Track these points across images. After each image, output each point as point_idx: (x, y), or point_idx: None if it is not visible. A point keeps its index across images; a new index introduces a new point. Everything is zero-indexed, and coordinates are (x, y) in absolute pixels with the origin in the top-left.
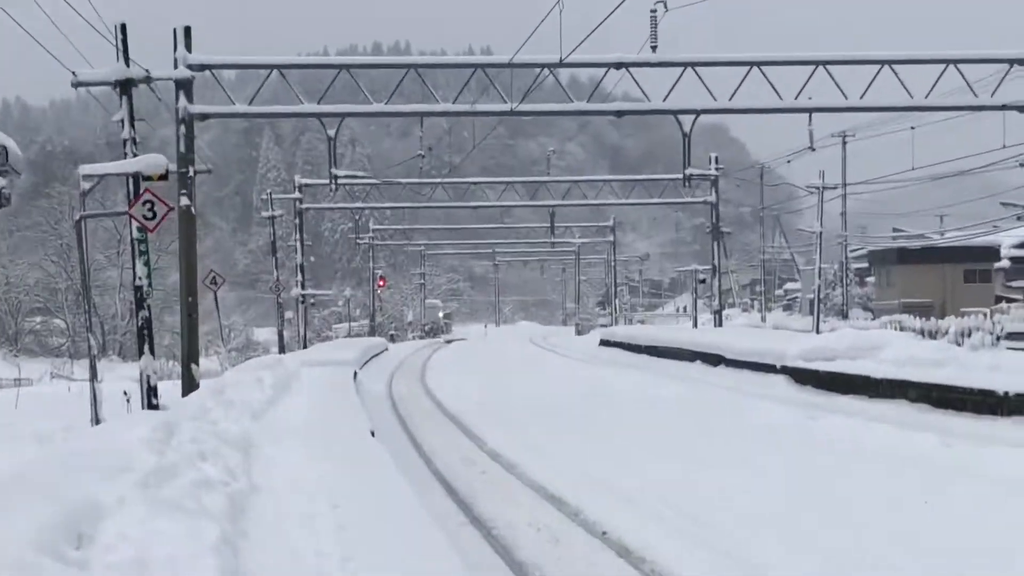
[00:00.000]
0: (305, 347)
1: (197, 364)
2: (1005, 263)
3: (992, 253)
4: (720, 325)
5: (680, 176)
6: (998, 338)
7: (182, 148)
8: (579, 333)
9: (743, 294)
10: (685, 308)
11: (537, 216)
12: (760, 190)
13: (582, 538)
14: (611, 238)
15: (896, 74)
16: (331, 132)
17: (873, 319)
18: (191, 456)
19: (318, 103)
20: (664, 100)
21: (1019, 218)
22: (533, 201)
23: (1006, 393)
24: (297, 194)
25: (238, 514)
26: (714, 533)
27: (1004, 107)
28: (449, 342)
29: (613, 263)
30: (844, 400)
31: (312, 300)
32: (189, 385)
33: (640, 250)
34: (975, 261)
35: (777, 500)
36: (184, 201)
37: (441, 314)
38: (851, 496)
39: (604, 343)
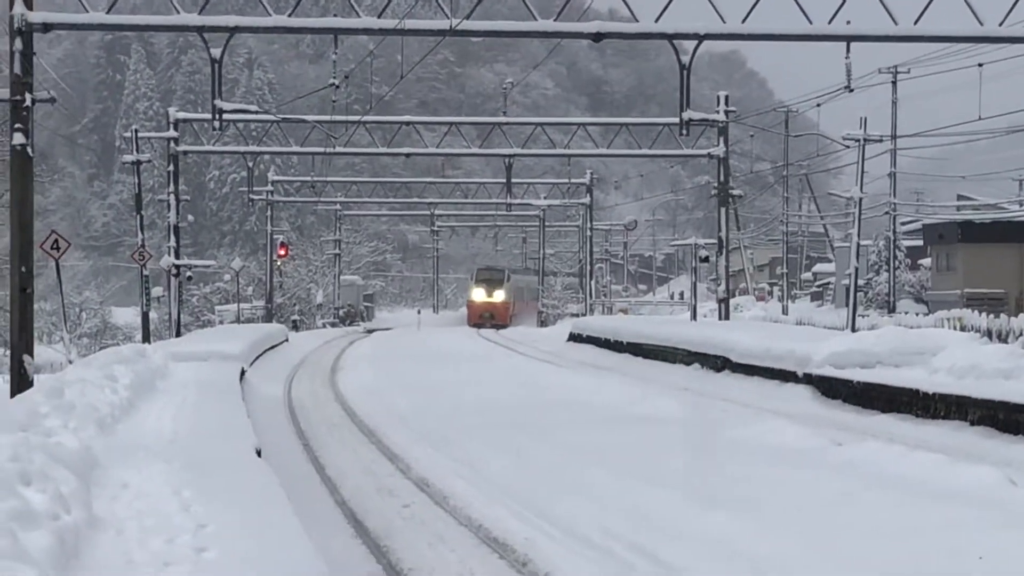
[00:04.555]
0: (179, 334)
1: (31, 355)
2: None
3: None
4: (727, 317)
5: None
6: None
7: (16, 68)
8: (542, 324)
9: (759, 278)
10: (683, 294)
11: (491, 168)
12: (784, 142)
13: None
14: (587, 199)
15: None
16: (216, 52)
17: (928, 313)
18: (9, 479)
19: (199, 12)
20: (657, 21)
21: None
22: (485, 149)
23: None
24: (172, 132)
25: (69, 559)
26: None
27: None
28: (370, 332)
29: (589, 232)
30: (884, 420)
31: (189, 273)
32: (20, 382)
33: (626, 216)
34: None
35: (768, 556)
36: (18, 138)
37: (361, 295)
38: (877, 551)
39: (575, 338)
